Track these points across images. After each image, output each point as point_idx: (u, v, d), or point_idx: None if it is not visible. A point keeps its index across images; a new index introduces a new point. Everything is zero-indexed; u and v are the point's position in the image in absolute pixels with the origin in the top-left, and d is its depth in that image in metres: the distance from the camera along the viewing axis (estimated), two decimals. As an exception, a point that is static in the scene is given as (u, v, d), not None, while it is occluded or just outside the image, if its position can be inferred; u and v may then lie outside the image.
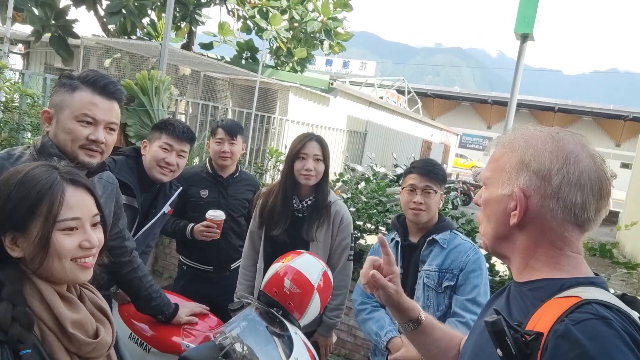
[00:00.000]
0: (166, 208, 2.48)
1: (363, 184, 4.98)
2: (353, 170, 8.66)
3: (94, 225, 1.16)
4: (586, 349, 0.76)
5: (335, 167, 9.18)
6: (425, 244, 2.10)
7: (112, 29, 8.56)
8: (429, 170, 2.10)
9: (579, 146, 0.95)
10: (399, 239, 2.18)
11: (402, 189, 2.16)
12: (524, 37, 5.54)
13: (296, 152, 2.36)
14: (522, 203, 0.94)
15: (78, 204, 1.11)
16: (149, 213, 2.42)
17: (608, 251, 3.39)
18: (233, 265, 2.84)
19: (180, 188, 2.59)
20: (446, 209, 4.19)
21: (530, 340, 0.82)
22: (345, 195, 4.48)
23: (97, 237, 1.14)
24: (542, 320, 0.85)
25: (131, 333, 2.08)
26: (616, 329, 0.77)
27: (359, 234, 4.06)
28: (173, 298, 2.21)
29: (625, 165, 36.45)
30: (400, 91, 22.20)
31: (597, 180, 0.93)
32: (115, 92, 1.62)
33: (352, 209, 4.15)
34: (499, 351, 0.83)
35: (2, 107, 3.85)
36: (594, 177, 0.93)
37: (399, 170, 10.32)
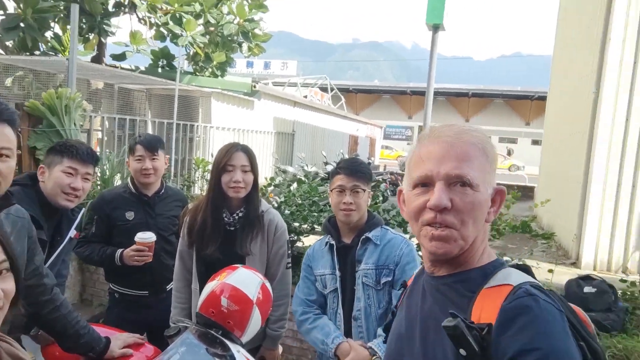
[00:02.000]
0: (72, 232, 2.31)
1: (295, 185, 4.98)
2: (284, 172, 8.62)
3: (2, 273, 1.03)
4: (522, 322, 0.86)
5: (266, 170, 9.11)
6: (359, 243, 2.11)
7: (10, 46, 7.91)
8: (355, 170, 2.11)
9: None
10: (332, 242, 2.17)
11: (331, 190, 2.16)
12: (436, 28, 5.81)
13: (223, 165, 2.27)
14: (504, 199, 1.03)
15: None
16: (54, 241, 2.23)
17: (527, 226, 3.62)
18: (169, 287, 2.71)
19: (83, 209, 2.42)
20: (377, 202, 4.28)
21: (485, 333, 0.88)
22: (278, 199, 4.45)
23: (4, 287, 1.02)
24: (485, 311, 0.92)
25: (59, 376, 1.93)
26: (541, 303, 0.88)
27: (295, 237, 4.05)
28: (104, 331, 2.07)
29: (535, 142, 39.36)
30: (324, 89, 22.48)
31: None
32: (2, 113, 1.43)
33: (287, 212, 4.13)
34: (462, 351, 0.87)
35: None
36: None
37: (329, 168, 10.43)
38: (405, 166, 1.13)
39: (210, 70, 10.69)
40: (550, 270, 3.53)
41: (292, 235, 4.08)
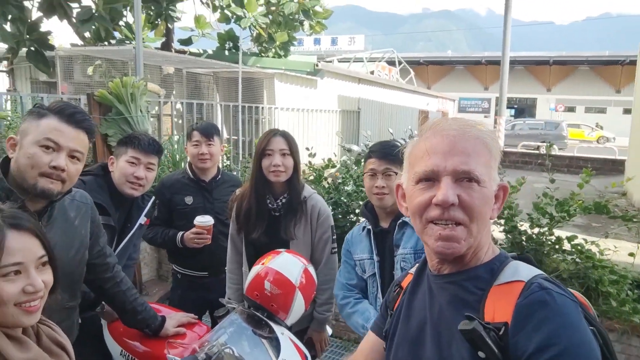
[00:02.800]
0: (142, 219, 2.45)
1: (354, 166, 4.91)
2: (349, 150, 8.59)
3: (41, 266, 1.14)
4: (538, 319, 0.85)
5: (331, 150, 9.10)
6: (397, 227, 2.05)
7: (87, 37, 8.43)
8: (386, 153, 2.04)
9: None
10: (370, 227, 2.12)
11: (364, 175, 2.12)
12: (510, -9, 5.40)
13: (262, 150, 2.31)
14: (507, 195, 1.01)
15: (20, 248, 1.10)
16: (124, 228, 2.39)
17: (604, 207, 3.31)
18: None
19: (153, 198, 2.55)
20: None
21: (502, 333, 0.86)
22: (342, 178, 4.42)
23: (44, 279, 1.13)
24: (499, 310, 0.90)
25: (122, 350, 2.07)
26: (555, 296, 0.87)
27: (355, 218, 4.01)
28: (165, 311, 2.20)
29: (627, 111, 36.06)
30: (391, 62, 21.94)
31: None
32: (82, 121, 1.59)
33: (345, 193, 4.10)
34: (481, 354, 0.85)
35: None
36: None
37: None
38: (405, 159, 1.07)
39: (273, 50, 10.77)
40: (632, 254, 3.21)
41: (352, 216, 4.05)
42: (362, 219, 2.24)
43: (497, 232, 3.42)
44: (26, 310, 1.10)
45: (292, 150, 2.32)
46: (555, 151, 16.52)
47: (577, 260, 3.20)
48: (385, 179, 2.02)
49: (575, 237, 3.25)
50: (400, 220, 2.04)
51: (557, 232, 3.31)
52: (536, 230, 3.29)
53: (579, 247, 3.19)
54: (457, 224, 0.94)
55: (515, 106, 38.82)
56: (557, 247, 3.25)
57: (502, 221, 3.37)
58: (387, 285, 2.07)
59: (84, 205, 1.81)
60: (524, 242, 3.32)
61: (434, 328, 1.00)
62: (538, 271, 0.95)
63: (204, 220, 2.59)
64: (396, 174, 2.03)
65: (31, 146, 1.50)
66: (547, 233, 3.26)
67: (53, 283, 1.19)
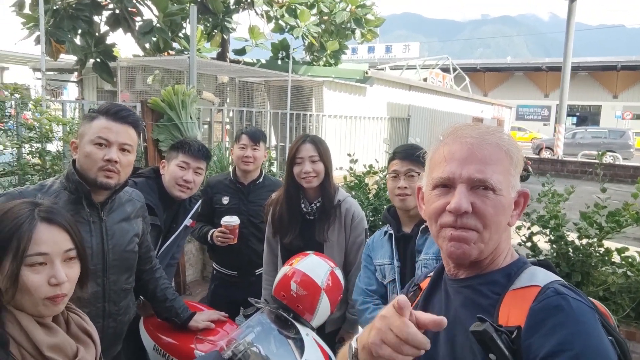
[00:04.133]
0: (188, 221, 2.58)
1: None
2: (396, 157, 8.52)
3: (68, 260, 1.21)
4: (552, 324, 0.83)
5: (378, 156, 9.08)
6: (419, 232, 2.02)
7: (147, 48, 8.90)
8: (410, 154, 2.03)
9: None
10: (392, 232, 2.11)
11: (387, 177, 2.11)
12: (573, -5, 5.18)
13: (292, 157, 2.38)
14: (527, 202, 1.00)
15: (47, 240, 1.16)
16: (170, 228, 2.52)
17: (660, 217, 3.11)
18: (258, 271, 2.88)
19: (200, 201, 2.67)
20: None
21: (514, 337, 0.85)
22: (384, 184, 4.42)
23: (69, 272, 1.19)
24: (513, 314, 0.89)
25: (155, 345, 2.17)
26: (572, 302, 0.85)
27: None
28: (200, 308, 2.31)
29: None
30: (445, 70, 21.57)
31: None
32: (127, 117, 1.78)
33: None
34: (492, 356, 0.84)
35: (43, 139, 4.11)
36: None
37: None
38: (426, 163, 1.09)
39: (324, 59, 10.90)
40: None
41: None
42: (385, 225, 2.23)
43: (543, 242, 3.30)
44: (51, 301, 1.15)
45: (322, 155, 2.37)
46: (620, 161, 15.60)
47: (628, 273, 3.03)
48: (407, 179, 2.01)
49: (627, 249, 3.08)
50: (424, 226, 2.02)
51: (607, 244, 3.15)
52: (584, 241, 3.15)
53: (629, 260, 3.02)
54: (469, 229, 0.95)
55: (578, 114, 37.00)
56: (606, 258, 3.09)
57: (547, 231, 3.24)
58: None
59: (139, 201, 2.01)
60: (570, 253, 3.17)
61: (449, 330, 0.97)
62: (556, 277, 0.94)
63: (230, 220, 2.68)
64: (419, 174, 2.02)
65: (87, 145, 1.72)
66: (595, 244, 3.11)
67: (83, 276, 1.25)
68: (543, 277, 0.93)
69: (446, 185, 0.98)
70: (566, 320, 0.83)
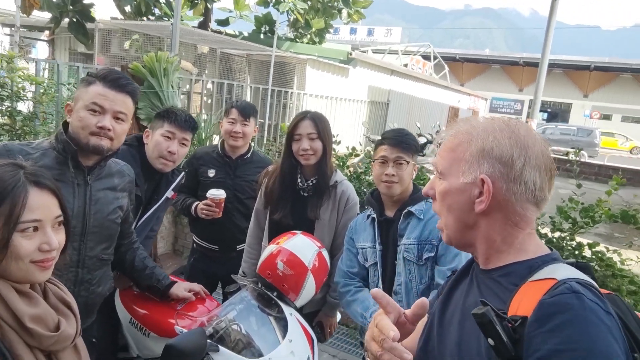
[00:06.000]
0: (169, 193, 2.51)
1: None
2: (374, 141, 8.55)
3: (57, 225, 1.17)
4: (560, 320, 0.81)
5: (357, 139, 9.08)
6: (402, 217, 2.02)
7: (127, 11, 8.56)
8: (400, 141, 2.01)
9: (529, 131, 1.01)
10: (374, 215, 2.10)
11: (374, 161, 2.09)
12: (556, -8, 5.23)
13: (291, 134, 2.34)
14: (490, 189, 0.97)
15: (40, 205, 1.11)
16: (151, 199, 2.45)
17: (632, 217, 3.23)
18: (239, 247, 2.84)
19: (183, 173, 2.60)
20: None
21: (517, 325, 0.84)
22: (364, 167, 4.42)
23: (59, 238, 1.16)
24: (523, 304, 0.88)
25: (131, 318, 2.12)
26: (586, 302, 0.82)
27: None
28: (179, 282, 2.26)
29: (668, 123, 34.77)
30: (426, 57, 21.61)
31: (549, 161, 1.00)
32: (125, 85, 1.76)
33: (367, 182, 4.10)
34: (490, 340, 0.84)
35: (14, 97, 3.92)
36: (547, 158, 0.99)
37: (422, 140, 10.12)
38: None
39: (309, 36, 10.73)
40: (656, 266, 3.13)
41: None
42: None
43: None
44: (40, 266, 1.12)
45: (321, 133, 2.33)
46: (585, 158, 16.09)
47: (597, 267, 3.13)
48: (396, 167, 2.00)
49: (597, 244, 3.18)
50: (406, 210, 2.02)
51: (579, 239, 3.25)
52: (557, 234, 3.23)
53: (599, 255, 3.12)
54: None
55: (549, 110, 37.80)
56: (576, 252, 3.19)
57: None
58: (388, 275, 2.06)
59: (128, 175, 1.97)
60: (543, 246, 3.26)
61: (462, 314, 1.02)
62: (581, 275, 0.90)
63: (216, 193, 2.63)
64: (408, 162, 2.01)
65: (81, 110, 1.70)
66: (568, 238, 3.20)
67: (65, 242, 1.21)
68: (564, 272, 0.91)
69: None
70: (574, 319, 0.81)
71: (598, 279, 3.11)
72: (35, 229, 1.11)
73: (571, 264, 0.96)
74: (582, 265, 0.96)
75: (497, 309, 0.86)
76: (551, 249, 1.01)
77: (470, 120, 1.05)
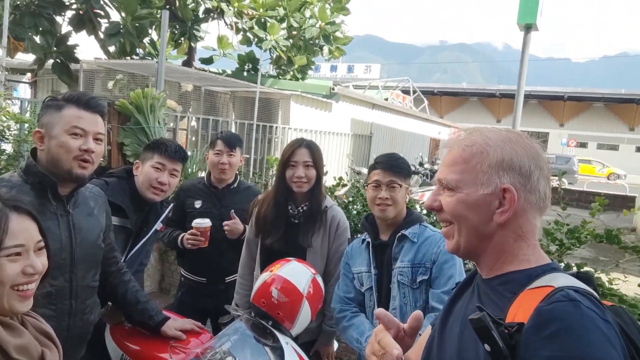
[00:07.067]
0: (158, 225, 2.49)
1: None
2: (359, 173, 8.62)
3: (39, 250, 1.17)
4: (556, 327, 0.81)
5: (341, 171, 9.16)
6: (396, 240, 2.04)
7: (112, 51, 8.66)
8: (392, 165, 2.06)
9: (534, 141, 1.04)
10: (369, 240, 2.12)
11: (367, 185, 2.12)
12: (528, 28, 5.45)
13: (286, 160, 2.35)
14: (515, 199, 0.98)
15: (22, 230, 1.11)
16: (140, 232, 2.43)
17: (615, 237, 3.29)
18: (228, 279, 2.81)
19: (172, 205, 2.59)
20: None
21: (514, 331, 0.84)
22: (352, 197, 4.45)
23: (41, 262, 1.15)
24: (520, 311, 0.88)
25: (123, 355, 2.06)
26: (582, 309, 0.82)
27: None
28: (172, 317, 2.20)
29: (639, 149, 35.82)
30: (406, 91, 22.12)
31: (550, 169, 1.04)
32: (97, 105, 1.74)
33: (354, 212, 4.12)
34: (486, 346, 0.84)
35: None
36: (549, 166, 1.03)
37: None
38: None
39: (291, 73, 10.95)
40: (641, 285, 3.18)
41: (359, 235, 4.06)
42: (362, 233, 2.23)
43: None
44: (21, 295, 1.11)
45: (316, 161, 2.36)
46: (565, 185, 16.47)
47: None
48: (389, 190, 2.03)
49: (585, 264, 3.22)
50: (400, 233, 2.04)
51: (566, 261, 3.29)
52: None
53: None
54: (447, 225, 1.07)
55: (528, 140, 38.68)
56: (565, 273, 3.22)
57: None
58: (383, 299, 2.06)
59: (100, 198, 1.94)
60: (531, 269, 3.29)
61: (462, 323, 1.02)
62: (580, 284, 0.90)
63: (201, 222, 2.62)
64: (400, 186, 2.05)
65: (61, 135, 1.65)
66: (556, 260, 3.24)
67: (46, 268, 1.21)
68: (563, 280, 0.91)
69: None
70: (571, 327, 0.81)
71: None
72: (18, 254, 1.11)
73: (572, 274, 0.96)
74: (583, 275, 0.96)
75: (491, 314, 0.86)
76: (551, 260, 1.02)
77: (479, 131, 1.06)
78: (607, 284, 3.12)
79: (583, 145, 36.17)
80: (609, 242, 3.31)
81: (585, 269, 3.18)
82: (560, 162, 21.81)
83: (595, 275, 3.17)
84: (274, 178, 2.49)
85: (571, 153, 27.87)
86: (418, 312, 1.02)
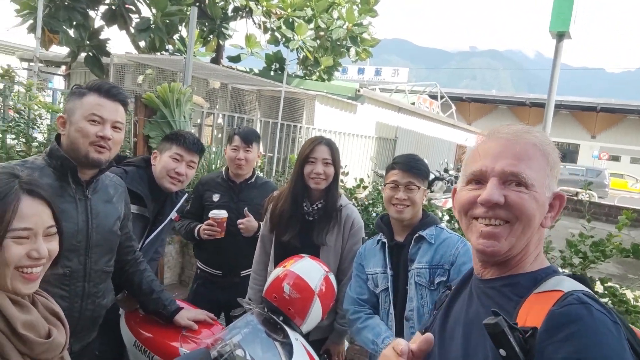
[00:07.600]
0: (173, 214, 2.53)
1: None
2: (381, 177, 8.57)
3: (49, 236, 1.17)
4: (570, 330, 0.81)
5: (363, 174, 9.12)
6: (412, 241, 2.01)
7: (142, 46, 8.83)
8: (411, 166, 2.03)
9: None
10: (385, 240, 2.09)
11: (385, 185, 2.09)
12: (560, 36, 5.32)
13: (305, 156, 2.35)
14: (564, 205, 0.99)
15: (32, 214, 1.13)
16: (156, 220, 2.47)
17: (643, 252, 3.17)
18: (243, 273, 2.82)
19: (186, 194, 2.63)
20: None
21: (528, 336, 0.84)
22: (372, 200, 4.42)
23: (50, 247, 1.16)
24: (531, 315, 0.88)
25: (136, 341, 2.09)
26: (594, 313, 0.83)
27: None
28: (186, 307, 2.23)
29: (675, 164, 34.61)
30: (433, 96, 21.91)
31: None
32: (118, 94, 1.78)
33: (374, 214, 4.09)
34: (502, 351, 0.83)
35: (31, 125, 4.02)
36: None
37: (430, 176, 10.15)
38: (463, 164, 1.10)
39: (317, 74, 10.96)
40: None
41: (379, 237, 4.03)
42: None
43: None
44: (25, 277, 1.12)
45: (335, 159, 2.36)
46: (595, 199, 15.98)
47: (610, 303, 3.07)
48: (407, 191, 2.01)
49: (610, 279, 3.12)
50: (417, 234, 2.02)
51: (590, 274, 3.19)
52: (567, 270, 3.18)
53: (612, 290, 3.06)
54: (501, 222, 0.96)
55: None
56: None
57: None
58: (399, 300, 2.03)
59: (120, 187, 1.98)
60: (553, 281, 3.21)
61: (466, 326, 1.01)
62: (584, 288, 0.91)
63: (218, 213, 2.65)
64: (419, 188, 2.02)
65: (80, 121, 1.70)
66: (579, 273, 3.15)
67: (58, 254, 1.22)
68: (570, 284, 0.91)
69: (479, 181, 1.00)
70: (585, 330, 0.81)
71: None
72: (26, 237, 1.11)
73: (569, 276, 0.97)
74: (579, 278, 0.96)
75: (507, 318, 0.84)
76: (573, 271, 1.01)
77: (532, 129, 1.01)
78: (632, 300, 3.01)
79: (615, 158, 35.18)
80: (636, 257, 3.19)
81: (609, 284, 3.08)
82: (590, 174, 21.24)
83: (620, 291, 3.07)
84: (291, 174, 2.49)
85: (603, 166, 27.13)
86: (429, 335, 0.97)
